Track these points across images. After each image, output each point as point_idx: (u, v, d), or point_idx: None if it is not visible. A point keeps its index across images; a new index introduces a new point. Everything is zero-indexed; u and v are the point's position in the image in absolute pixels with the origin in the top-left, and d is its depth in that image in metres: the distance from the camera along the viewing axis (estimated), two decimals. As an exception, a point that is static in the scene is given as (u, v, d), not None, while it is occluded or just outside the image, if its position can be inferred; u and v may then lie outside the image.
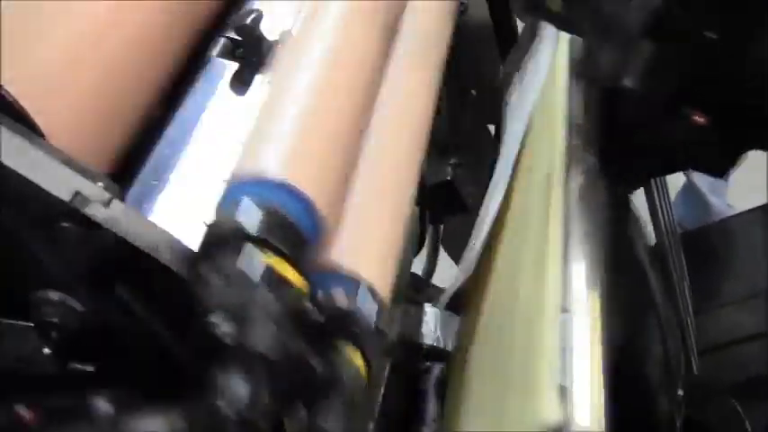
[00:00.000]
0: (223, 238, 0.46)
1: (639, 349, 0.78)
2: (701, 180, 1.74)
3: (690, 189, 1.76)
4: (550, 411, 0.49)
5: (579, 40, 0.68)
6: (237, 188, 0.50)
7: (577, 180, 0.61)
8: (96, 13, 0.58)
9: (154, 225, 0.47)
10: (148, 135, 0.61)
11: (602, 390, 0.50)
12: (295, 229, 0.48)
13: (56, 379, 0.54)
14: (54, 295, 0.49)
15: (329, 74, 0.58)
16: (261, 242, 0.46)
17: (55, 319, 0.49)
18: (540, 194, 0.63)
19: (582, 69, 0.65)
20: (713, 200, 1.73)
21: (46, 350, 0.53)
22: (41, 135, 0.50)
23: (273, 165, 0.50)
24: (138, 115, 0.61)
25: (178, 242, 0.47)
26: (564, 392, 0.49)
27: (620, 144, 0.70)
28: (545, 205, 0.61)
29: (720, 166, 0.71)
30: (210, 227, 0.47)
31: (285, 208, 0.48)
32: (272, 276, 0.45)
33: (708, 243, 1.39)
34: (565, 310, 0.54)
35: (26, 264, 0.48)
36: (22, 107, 0.49)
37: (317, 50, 0.59)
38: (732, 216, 1.51)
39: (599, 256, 0.57)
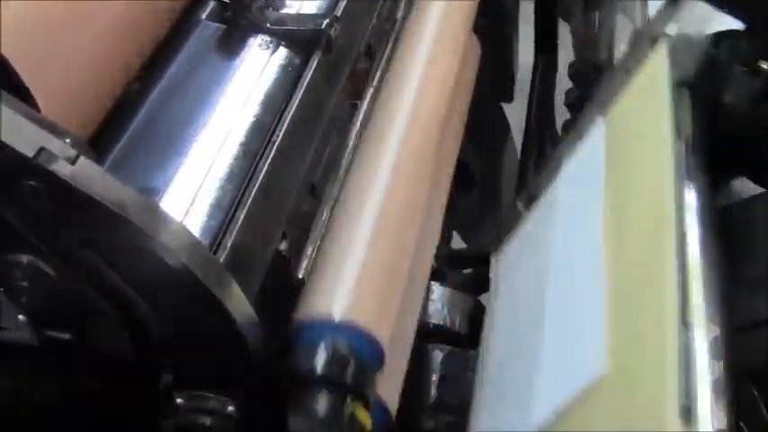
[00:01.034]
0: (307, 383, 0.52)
1: None
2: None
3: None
4: None
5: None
6: (315, 328, 0.53)
7: (689, 195, 0.58)
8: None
9: (122, 184, 0.45)
10: (136, 97, 0.60)
11: (726, 410, 0.47)
12: (367, 371, 0.54)
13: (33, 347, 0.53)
14: (23, 258, 0.47)
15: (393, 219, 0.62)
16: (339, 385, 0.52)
17: (24, 283, 0.48)
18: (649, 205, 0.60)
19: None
20: (736, 181, 1.68)
21: (21, 317, 0.51)
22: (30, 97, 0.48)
23: (351, 309, 0.55)
24: (125, 80, 0.60)
25: (147, 201, 0.46)
26: (688, 414, 0.46)
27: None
28: (657, 217, 0.58)
29: None
30: (292, 368, 0.52)
31: (360, 353, 0.53)
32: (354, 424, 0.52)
33: (730, 222, 1.35)
34: (685, 323, 0.51)
35: (-7, 225, 0.46)
36: (12, 68, 0.48)
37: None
38: (756, 195, 1.47)
39: (716, 270, 0.54)
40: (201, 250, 0.48)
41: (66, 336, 0.52)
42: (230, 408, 0.54)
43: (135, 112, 0.59)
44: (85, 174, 0.44)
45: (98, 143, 0.55)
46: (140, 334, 0.51)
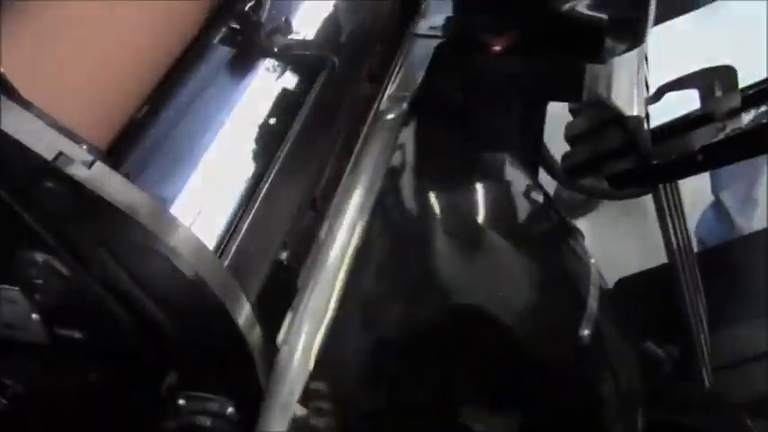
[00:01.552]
0: None
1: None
2: (729, 200, 1.72)
3: (717, 208, 1.74)
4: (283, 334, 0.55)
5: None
6: None
7: (382, 126, 0.64)
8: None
9: (134, 187, 0.48)
10: (151, 114, 0.63)
11: (327, 318, 0.55)
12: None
13: (44, 346, 0.56)
14: (39, 257, 0.50)
15: None
16: None
17: (39, 281, 0.51)
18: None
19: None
20: (739, 220, 1.71)
21: (35, 316, 0.54)
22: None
23: None
24: (141, 98, 0.63)
25: (157, 205, 0.49)
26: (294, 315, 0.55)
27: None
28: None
29: (570, 92, 0.72)
30: None
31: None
32: None
33: (727, 260, 1.38)
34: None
35: (12, 224, 0.49)
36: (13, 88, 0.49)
37: None
38: (753, 234, 1.50)
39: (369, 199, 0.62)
40: (207, 253, 0.51)
41: (77, 335, 0.55)
42: (230, 409, 0.56)
43: (150, 127, 0.62)
44: (100, 177, 0.47)
45: (115, 155, 0.59)
46: (147, 333, 0.53)
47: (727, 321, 1.23)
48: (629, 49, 0.71)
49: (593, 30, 0.66)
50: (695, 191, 1.67)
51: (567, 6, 0.66)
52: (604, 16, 0.66)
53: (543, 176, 1.25)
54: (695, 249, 1.24)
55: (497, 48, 0.66)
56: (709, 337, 1.16)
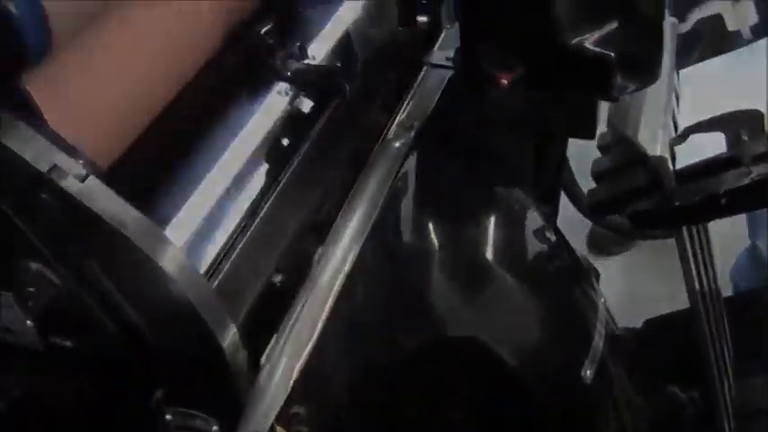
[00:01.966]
0: None
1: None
2: (765, 246, 1.69)
3: (752, 253, 1.71)
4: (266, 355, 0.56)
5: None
6: None
7: (387, 153, 0.65)
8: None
9: (125, 203, 0.49)
10: (159, 133, 0.64)
11: (311, 342, 0.56)
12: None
13: (37, 352, 0.57)
14: (33, 265, 0.51)
15: None
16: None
17: (32, 289, 0.52)
18: None
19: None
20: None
21: (29, 322, 0.55)
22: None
23: None
24: (150, 117, 0.64)
25: (147, 222, 0.49)
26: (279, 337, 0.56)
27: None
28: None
29: (582, 128, 0.71)
30: None
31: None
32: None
33: (758, 305, 1.35)
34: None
35: (9, 232, 0.50)
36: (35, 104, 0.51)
37: None
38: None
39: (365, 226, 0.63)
40: (194, 273, 0.51)
41: (68, 343, 0.56)
42: (215, 427, 0.57)
43: (157, 146, 0.63)
44: (92, 191, 0.48)
45: (119, 172, 0.60)
46: (135, 346, 0.54)
47: (755, 369, 1.21)
48: (642, 87, 0.70)
49: (602, 66, 0.66)
50: (731, 235, 1.64)
51: (575, 41, 0.65)
52: (612, 53, 0.65)
53: (576, 213, 1.25)
54: (729, 293, 1.22)
55: (505, 81, 0.66)
56: (736, 384, 1.14)
